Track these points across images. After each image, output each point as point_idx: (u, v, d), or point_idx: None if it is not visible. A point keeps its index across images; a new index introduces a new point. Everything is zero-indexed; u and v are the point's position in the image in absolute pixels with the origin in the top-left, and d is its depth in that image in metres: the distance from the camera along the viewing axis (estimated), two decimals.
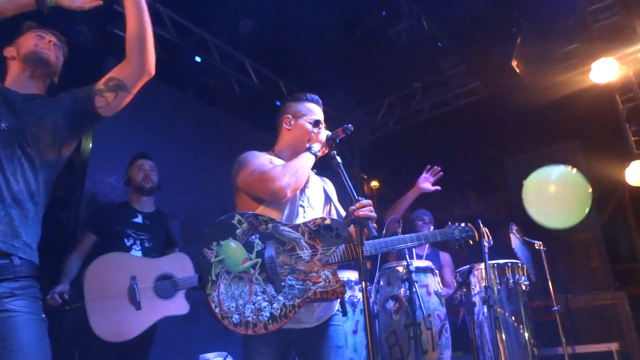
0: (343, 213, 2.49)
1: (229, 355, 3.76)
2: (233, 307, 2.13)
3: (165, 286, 3.31)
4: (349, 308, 3.68)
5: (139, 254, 3.50)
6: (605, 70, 5.32)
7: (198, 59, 5.36)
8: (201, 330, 4.51)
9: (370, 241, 2.22)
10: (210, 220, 5.60)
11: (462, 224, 2.36)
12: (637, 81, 5.55)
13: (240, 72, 6.04)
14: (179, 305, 3.33)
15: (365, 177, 8.38)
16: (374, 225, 2.03)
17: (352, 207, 2.06)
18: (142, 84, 2.15)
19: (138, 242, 3.56)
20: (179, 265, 3.43)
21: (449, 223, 2.36)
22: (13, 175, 1.91)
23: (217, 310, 2.14)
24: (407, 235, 2.28)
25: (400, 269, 3.62)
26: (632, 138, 5.54)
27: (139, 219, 3.65)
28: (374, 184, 8.61)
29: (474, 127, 6.55)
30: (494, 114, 6.16)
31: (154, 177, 3.76)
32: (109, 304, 3.11)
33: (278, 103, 6.32)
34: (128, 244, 3.51)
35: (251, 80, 6.12)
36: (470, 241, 2.29)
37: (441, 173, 4.06)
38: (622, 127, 5.53)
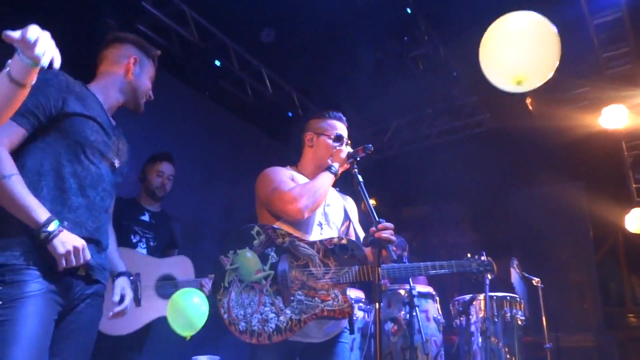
0: (361, 233, 2.53)
1: None
2: (241, 314, 2.18)
3: (166, 286, 3.34)
4: None
5: (144, 252, 3.51)
6: (614, 117, 5.42)
7: (218, 63, 5.41)
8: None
9: (386, 265, 2.25)
10: (212, 223, 5.64)
11: (482, 258, 2.40)
12: None
13: (256, 79, 6.10)
14: None
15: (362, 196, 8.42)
16: (394, 248, 2.07)
17: (373, 229, 2.10)
18: None
19: (144, 240, 3.57)
20: (181, 267, 3.46)
21: (468, 255, 2.39)
22: None
23: (225, 316, 2.19)
24: (422, 263, 2.31)
25: (402, 292, 3.66)
26: (634, 185, 5.63)
27: (146, 217, 3.65)
28: (372, 202, 8.66)
29: (479, 157, 6.62)
30: (500, 147, 6.24)
31: (169, 185, 3.73)
32: (111, 296, 3.12)
33: (290, 114, 6.38)
34: (134, 240, 3.52)
35: (266, 89, 6.18)
36: (489, 275, 2.32)
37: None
38: (625, 174, 5.63)
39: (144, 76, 2.17)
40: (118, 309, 2.19)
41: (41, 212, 1.75)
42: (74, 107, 1.91)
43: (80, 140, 1.91)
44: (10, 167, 1.73)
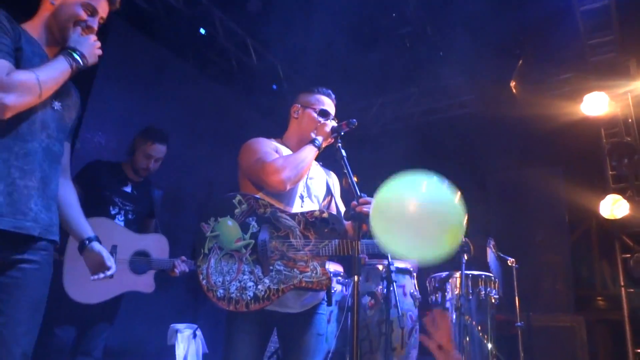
0: (343, 208, 2.54)
1: (198, 328, 3.80)
2: (219, 281, 2.19)
3: (140, 262, 3.34)
4: None
5: (122, 224, 3.48)
6: (595, 104, 5.48)
7: (202, 31, 5.30)
8: (170, 303, 4.53)
9: (364, 240, 2.27)
10: (193, 193, 5.59)
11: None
12: (623, 118, 5.74)
13: (241, 50, 6.01)
14: (146, 283, 3.36)
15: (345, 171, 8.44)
16: None
17: (354, 203, 2.11)
18: None
19: (122, 213, 3.52)
20: (158, 246, 3.46)
21: None
22: None
23: (204, 282, 2.20)
24: None
25: (380, 267, 3.71)
26: (610, 172, 5.73)
27: (128, 188, 3.59)
28: (354, 178, 8.69)
29: (461, 139, 6.67)
30: (483, 129, 6.28)
31: (155, 167, 3.64)
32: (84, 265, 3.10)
33: (274, 87, 6.31)
34: (113, 212, 3.46)
35: (251, 60, 6.09)
36: (465, 255, 2.35)
37: None
38: (603, 160, 5.72)
39: (68, 3, 1.97)
40: (109, 273, 2.19)
41: (59, 63, 1.87)
42: (24, 45, 1.83)
43: None
44: (27, 71, 1.77)
